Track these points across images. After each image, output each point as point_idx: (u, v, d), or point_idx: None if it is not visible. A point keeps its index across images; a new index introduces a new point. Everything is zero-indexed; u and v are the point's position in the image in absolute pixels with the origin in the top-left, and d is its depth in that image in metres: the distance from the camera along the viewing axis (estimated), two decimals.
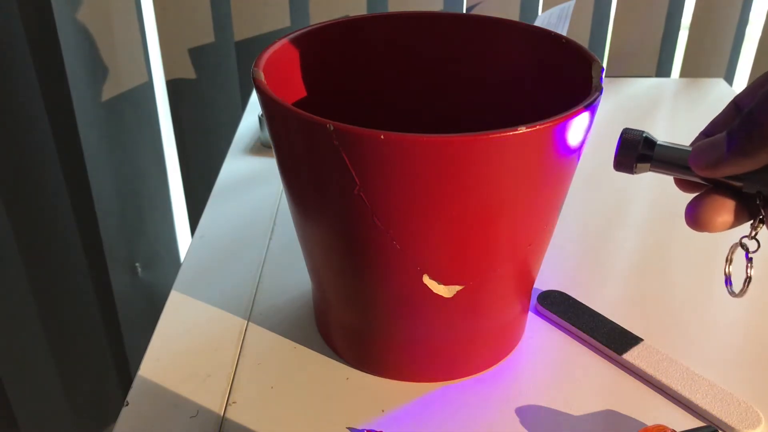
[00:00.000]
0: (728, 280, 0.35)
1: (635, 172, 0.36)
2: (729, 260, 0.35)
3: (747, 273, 0.34)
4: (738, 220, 0.32)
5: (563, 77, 0.45)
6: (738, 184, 0.32)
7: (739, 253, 0.34)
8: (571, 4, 0.76)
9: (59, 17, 0.85)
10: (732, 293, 0.35)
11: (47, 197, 0.95)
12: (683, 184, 0.35)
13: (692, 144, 0.34)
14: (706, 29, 1.03)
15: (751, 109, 0.29)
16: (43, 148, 0.92)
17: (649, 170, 0.36)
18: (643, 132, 0.36)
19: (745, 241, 0.34)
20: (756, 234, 0.33)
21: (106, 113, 0.95)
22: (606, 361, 0.48)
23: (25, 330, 1.00)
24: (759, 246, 0.33)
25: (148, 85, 0.99)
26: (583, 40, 1.04)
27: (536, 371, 0.47)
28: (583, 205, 0.65)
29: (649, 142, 0.35)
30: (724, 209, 0.32)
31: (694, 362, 0.47)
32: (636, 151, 0.35)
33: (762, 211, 0.32)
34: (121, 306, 1.06)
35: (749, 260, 0.34)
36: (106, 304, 1.06)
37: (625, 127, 0.39)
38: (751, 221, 0.33)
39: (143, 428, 0.43)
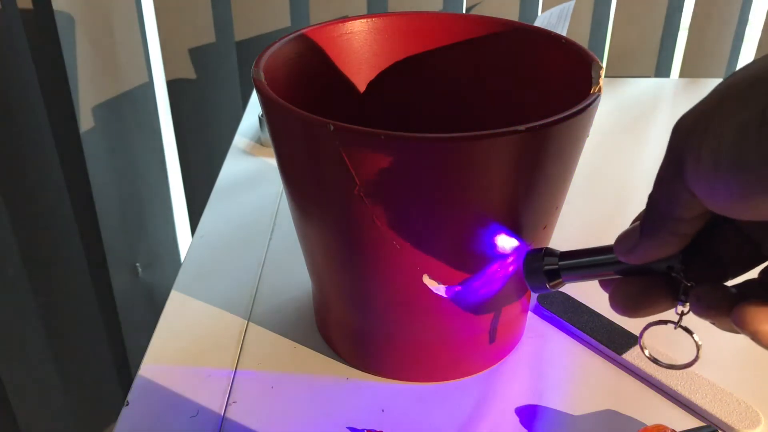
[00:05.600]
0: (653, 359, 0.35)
1: (553, 288, 0.36)
2: (643, 346, 0.35)
3: (696, 342, 0.33)
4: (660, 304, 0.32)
5: (563, 77, 0.45)
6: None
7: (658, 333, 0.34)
8: (571, 4, 0.76)
9: (59, 17, 0.85)
10: (676, 367, 0.34)
11: (47, 197, 0.95)
12: (605, 284, 0.34)
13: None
14: (706, 30, 1.03)
15: (651, 193, 0.29)
16: (44, 148, 0.92)
17: (565, 282, 0.36)
18: (542, 249, 0.36)
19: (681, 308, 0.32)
20: (683, 314, 0.32)
21: (106, 113, 0.95)
22: (606, 361, 0.48)
23: (25, 330, 1.00)
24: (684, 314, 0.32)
25: (148, 85, 0.99)
26: (583, 40, 1.04)
27: (536, 371, 0.47)
28: (583, 205, 0.65)
29: (551, 253, 0.35)
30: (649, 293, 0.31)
31: None
32: (540, 264, 0.36)
33: (682, 295, 0.31)
34: (121, 306, 1.06)
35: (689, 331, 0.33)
36: (106, 304, 1.06)
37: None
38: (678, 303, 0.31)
39: (143, 428, 0.43)
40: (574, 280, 0.36)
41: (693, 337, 0.33)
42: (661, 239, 0.29)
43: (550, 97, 0.46)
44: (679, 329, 0.33)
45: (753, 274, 0.30)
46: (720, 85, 0.25)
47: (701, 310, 0.29)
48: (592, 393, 0.46)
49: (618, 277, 0.33)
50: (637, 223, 0.30)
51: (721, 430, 0.43)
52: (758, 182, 0.23)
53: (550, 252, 0.36)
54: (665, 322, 0.34)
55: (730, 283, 0.30)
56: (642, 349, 0.35)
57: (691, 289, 0.30)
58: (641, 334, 0.35)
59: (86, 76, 0.91)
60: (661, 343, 0.47)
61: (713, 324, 0.29)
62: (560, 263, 0.35)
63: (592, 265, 0.34)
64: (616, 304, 0.32)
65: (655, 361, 0.35)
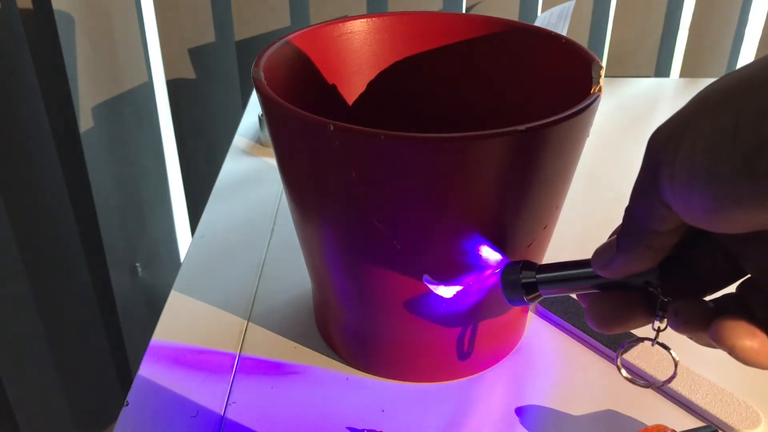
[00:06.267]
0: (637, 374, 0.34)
1: (530, 302, 0.36)
2: (620, 367, 0.34)
3: (673, 357, 0.33)
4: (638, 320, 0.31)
5: (563, 77, 0.45)
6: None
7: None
8: (571, 4, 0.76)
9: (59, 17, 0.85)
10: (656, 385, 0.34)
11: (47, 197, 0.95)
12: (582, 298, 0.33)
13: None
14: (706, 29, 1.03)
15: (627, 206, 0.29)
16: (43, 148, 0.92)
17: (543, 295, 0.35)
18: (520, 261, 0.36)
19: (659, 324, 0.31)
20: (659, 330, 0.31)
21: (106, 113, 0.95)
22: (606, 361, 0.48)
23: (25, 330, 1.00)
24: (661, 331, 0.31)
25: (148, 85, 0.99)
26: (583, 40, 1.04)
27: (536, 371, 0.47)
28: (583, 205, 0.65)
29: (529, 266, 0.35)
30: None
31: (694, 362, 0.47)
32: (518, 277, 0.35)
33: (659, 311, 0.30)
34: (121, 306, 1.06)
35: (667, 348, 0.33)
36: (106, 304, 1.06)
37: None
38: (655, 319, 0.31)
39: (143, 428, 0.43)
40: (552, 293, 0.36)
41: (670, 354, 0.33)
42: (638, 253, 0.29)
43: (550, 97, 0.46)
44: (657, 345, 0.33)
45: (731, 288, 0.29)
46: (695, 97, 0.25)
47: (679, 325, 0.29)
48: (592, 393, 0.46)
49: (596, 291, 0.33)
50: (615, 237, 0.30)
51: (721, 430, 0.43)
52: (731, 195, 0.23)
53: (528, 265, 0.36)
54: (642, 339, 0.34)
55: (708, 297, 0.30)
56: (619, 369, 0.35)
57: (669, 304, 0.30)
58: (617, 355, 0.35)
59: (86, 76, 0.91)
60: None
61: (691, 339, 0.29)
62: (538, 276, 0.35)
63: (570, 279, 0.34)
64: (592, 318, 0.32)
65: (632, 381, 0.35)
